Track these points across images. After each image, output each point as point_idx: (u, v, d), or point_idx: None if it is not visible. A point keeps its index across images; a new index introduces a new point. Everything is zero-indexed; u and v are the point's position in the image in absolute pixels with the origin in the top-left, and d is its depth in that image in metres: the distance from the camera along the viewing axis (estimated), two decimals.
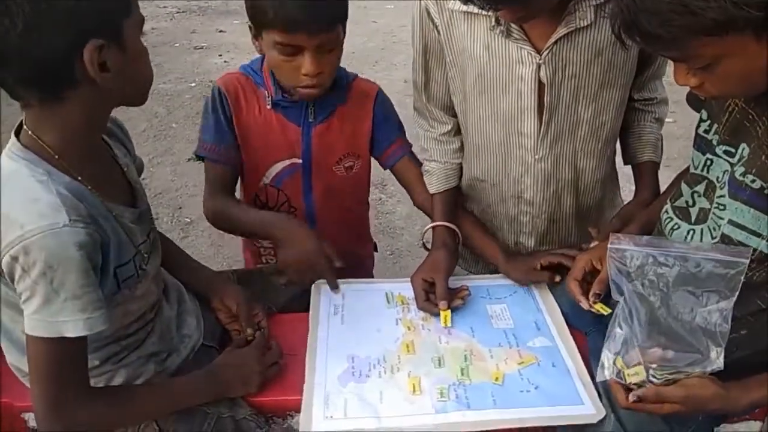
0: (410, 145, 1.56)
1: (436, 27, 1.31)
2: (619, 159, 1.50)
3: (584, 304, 1.17)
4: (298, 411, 1.12)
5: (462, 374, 1.17)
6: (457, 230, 1.43)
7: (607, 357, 1.00)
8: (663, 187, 1.37)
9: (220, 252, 2.86)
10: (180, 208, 3.21)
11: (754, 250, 0.95)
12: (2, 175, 0.90)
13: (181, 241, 2.81)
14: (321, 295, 1.38)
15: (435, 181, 1.48)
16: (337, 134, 1.47)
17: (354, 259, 1.63)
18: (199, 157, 1.47)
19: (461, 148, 1.48)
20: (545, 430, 1.15)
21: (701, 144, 1.07)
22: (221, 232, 3.00)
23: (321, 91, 1.36)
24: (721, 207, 1.01)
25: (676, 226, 1.10)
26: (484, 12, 1.18)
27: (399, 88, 3.89)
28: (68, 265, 0.86)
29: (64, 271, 0.86)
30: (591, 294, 1.16)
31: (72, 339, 0.88)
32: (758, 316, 1.02)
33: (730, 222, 0.99)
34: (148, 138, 3.87)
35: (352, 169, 1.52)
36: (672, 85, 1.02)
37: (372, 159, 1.57)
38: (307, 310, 1.34)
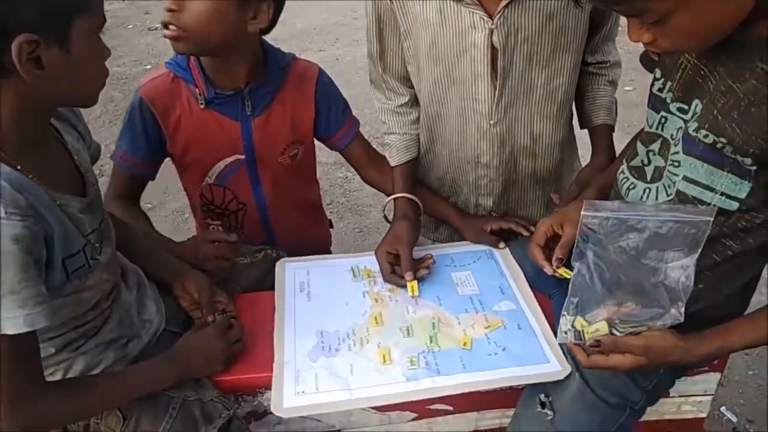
0: (358, 123, 1.55)
1: None
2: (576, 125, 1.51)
3: (548, 269, 1.18)
4: (268, 388, 1.11)
5: (431, 342, 1.18)
6: (418, 201, 1.43)
7: (564, 321, 1.02)
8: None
9: (185, 237, 2.81)
10: None
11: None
12: None
13: None
14: (285, 273, 1.37)
15: (395, 154, 1.47)
16: (279, 124, 1.42)
17: (311, 241, 1.63)
18: None
19: (419, 119, 1.47)
20: (514, 391, 1.17)
21: (655, 102, 1.08)
22: (184, 217, 2.91)
23: (183, 44, 1.27)
24: (676, 164, 1.02)
25: (632, 186, 1.11)
26: None
27: (362, 65, 3.84)
28: (4, 260, 0.81)
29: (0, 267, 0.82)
30: (554, 259, 1.18)
31: (14, 336, 0.84)
32: (714, 270, 1.04)
33: (685, 178, 1.00)
34: (104, 123, 3.76)
35: (297, 156, 1.48)
36: (630, 53, 1.03)
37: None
38: (272, 289, 1.33)
